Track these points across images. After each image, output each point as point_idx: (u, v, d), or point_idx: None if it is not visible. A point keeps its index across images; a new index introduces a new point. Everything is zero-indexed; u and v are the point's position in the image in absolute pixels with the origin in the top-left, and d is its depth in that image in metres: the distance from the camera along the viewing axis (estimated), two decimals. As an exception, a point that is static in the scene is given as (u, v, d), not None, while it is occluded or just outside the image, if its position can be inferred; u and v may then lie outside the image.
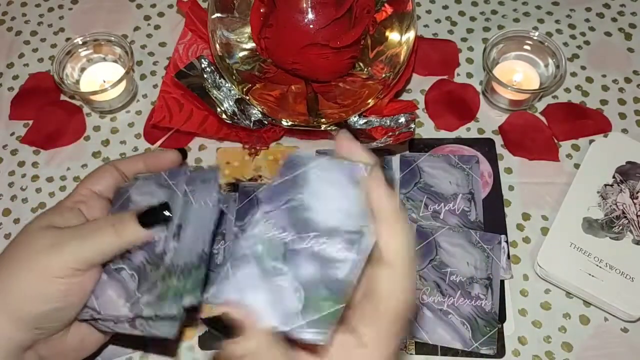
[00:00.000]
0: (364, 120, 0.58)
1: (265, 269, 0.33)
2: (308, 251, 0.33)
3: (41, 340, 0.40)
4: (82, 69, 0.65)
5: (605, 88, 0.65)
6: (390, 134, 0.56)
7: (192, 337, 0.52)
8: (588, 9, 0.70)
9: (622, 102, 0.64)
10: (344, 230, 0.33)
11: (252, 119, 0.58)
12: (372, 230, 0.32)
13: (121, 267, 0.41)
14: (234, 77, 0.56)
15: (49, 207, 0.58)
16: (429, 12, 0.71)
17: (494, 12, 0.71)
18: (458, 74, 0.66)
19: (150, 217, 0.39)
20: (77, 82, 0.64)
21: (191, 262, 0.40)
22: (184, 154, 0.46)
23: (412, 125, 0.55)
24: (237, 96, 0.58)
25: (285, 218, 0.34)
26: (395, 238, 0.32)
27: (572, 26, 0.69)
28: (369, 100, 0.56)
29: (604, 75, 0.65)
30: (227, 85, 0.59)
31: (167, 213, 0.40)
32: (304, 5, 0.49)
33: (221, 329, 0.32)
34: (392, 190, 0.33)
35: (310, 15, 0.50)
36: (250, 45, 0.55)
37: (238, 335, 0.31)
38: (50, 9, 0.73)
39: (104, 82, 0.64)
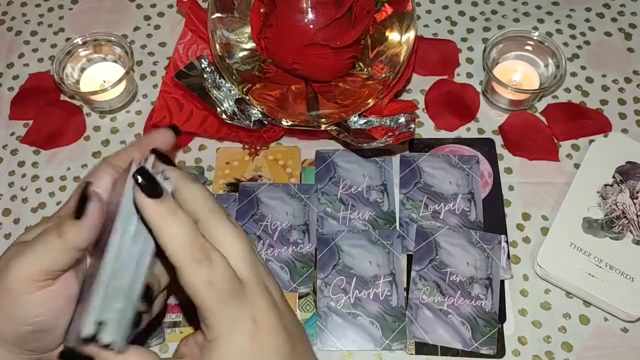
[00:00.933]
0: (364, 120, 0.58)
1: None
2: None
3: (37, 358, 0.39)
4: (82, 69, 0.65)
5: (605, 88, 0.65)
6: (390, 134, 0.56)
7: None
8: (588, 9, 0.70)
9: (622, 102, 0.64)
10: None
11: (252, 119, 0.58)
12: None
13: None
14: (234, 77, 0.56)
15: (47, 210, 0.59)
16: (429, 12, 0.71)
17: (494, 12, 0.71)
18: (458, 74, 0.66)
19: (79, 206, 0.36)
20: (77, 82, 0.64)
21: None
22: (176, 131, 0.43)
23: (412, 125, 0.55)
24: (237, 96, 0.58)
25: None
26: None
27: (572, 26, 0.69)
28: (369, 100, 0.56)
29: (604, 75, 0.65)
30: (227, 85, 0.59)
31: (88, 196, 0.36)
32: (304, 5, 0.49)
33: None
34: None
35: (310, 15, 0.50)
36: (250, 45, 0.55)
37: None
38: (50, 9, 0.73)
39: (104, 82, 0.64)
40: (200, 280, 0.33)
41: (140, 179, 0.33)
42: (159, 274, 0.40)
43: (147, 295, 0.37)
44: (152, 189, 0.33)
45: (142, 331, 0.39)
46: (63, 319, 0.38)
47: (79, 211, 0.36)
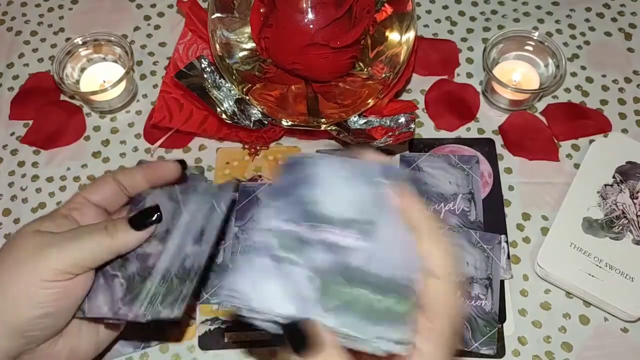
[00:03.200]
0: (364, 120, 0.58)
1: (278, 260, 0.32)
2: (322, 242, 0.33)
3: (28, 351, 0.39)
4: (82, 69, 0.65)
5: (605, 88, 0.65)
6: (390, 134, 0.56)
7: (192, 337, 0.52)
8: (588, 9, 0.70)
9: (622, 102, 0.64)
10: (357, 221, 0.33)
11: (252, 119, 0.58)
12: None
13: (115, 274, 0.41)
14: (234, 77, 0.56)
15: (47, 210, 0.59)
16: (429, 12, 0.71)
17: (494, 12, 0.71)
18: (458, 74, 0.66)
19: (140, 219, 0.40)
20: (77, 82, 0.64)
21: (173, 271, 0.40)
22: (183, 165, 0.46)
23: (412, 125, 0.55)
24: (237, 96, 0.58)
25: (298, 212, 0.33)
26: (439, 251, 0.32)
27: (572, 26, 0.69)
28: (369, 100, 0.56)
29: (604, 75, 0.65)
30: (227, 85, 0.59)
31: (155, 216, 0.40)
32: (304, 5, 0.49)
33: (298, 343, 0.31)
34: (423, 201, 0.33)
35: (310, 15, 0.50)
36: (250, 45, 0.55)
37: (311, 350, 0.30)
38: (50, 9, 0.73)
39: (104, 82, 0.64)
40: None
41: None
42: None
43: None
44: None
45: None
46: (73, 307, 0.40)
47: (140, 224, 0.40)
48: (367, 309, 0.31)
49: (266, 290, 0.32)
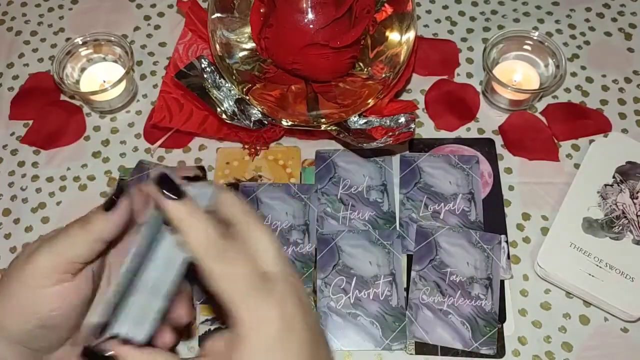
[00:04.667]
0: (364, 120, 0.58)
1: None
2: None
3: (44, 357, 0.39)
4: (82, 69, 0.65)
5: (605, 88, 0.65)
6: (390, 134, 0.56)
7: (192, 338, 0.52)
8: (588, 9, 0.70)
9: (622, 102, 0.64)
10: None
11: (252, 119, 0.58)
12: None
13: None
14: (234, 77, 0.56)
15: (47, 209, 0.59)
16: (429, 12, 0.71)
17: (494, 12, 0.71)
18: (458, 74, 0.66)
19: (108, 201, 0.38)
20: (77, 82, 0.64)
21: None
22: (203, 171, 0.44)
23: (412, 125, 0.55)
24: (237, 96, 0.58)
25: None
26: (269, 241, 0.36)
27: (572, 26, 0.69)
28: (369, 100, 0.56)
29: (604, 75, 0.65)
30: (227, 85, 0.59)
31: (123, 186, 0.39)
32: (304, 5, 0.49)
33: None
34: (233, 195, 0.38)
35: (310, 15, 0.50)
36: (250, 45, 0.55)
37: None
38: (50, 9, 0.73)
39: (104, 82, 0.64)
40: (224, 275, 0.34)
41: (160, 182, 0.35)
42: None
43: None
44: (172, 190, 0.35)
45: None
46: (72, 319, 0.38)
47: (110, 204, 0.38)
48: None
49: None
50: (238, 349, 0.33)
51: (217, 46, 0.55)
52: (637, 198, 0.56)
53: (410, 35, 0.55)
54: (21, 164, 0.62)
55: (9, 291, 0.37)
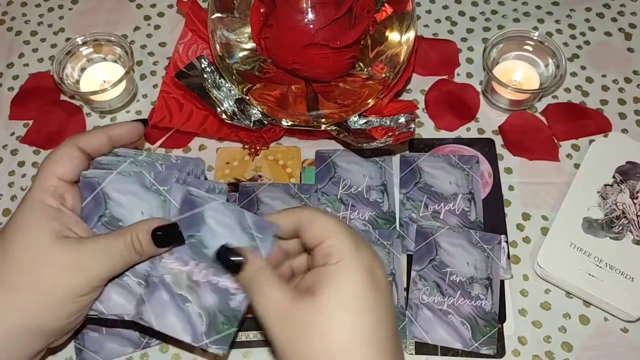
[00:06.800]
0: (364, 120, 0.58)
1: (173, 296, 0.42)
2: (207, 283, 0.42)
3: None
4: (82, 69, 0.65)
5: (605, 88, 0.65)
6: (390, 134, 0.56)
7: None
8: (588, 9, 0.70)
9: (622, 102, 0.64)
10: None
11: (252, 119, 0.58)
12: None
13: (123, 274, 0.43)
14: (234, 77, 0.56)
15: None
16: (429, 12, 0.71)
17: (494, 12, 0.71)
18: (458, 74, 0.66)
19: (165, 238, 0.42)
20: (77, 82, 0.64)
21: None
22: (145, 122, 0.48)
23: (412, 125, 0.55)
24: (237, 96, 0.58)
25: (186, 252, 0.42)
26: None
27: (572, 26, 0.69)
28: (369, 100, 0.56)
29: (604, 75, 0.65)
30: (227, 85, 0.59)
31: (179, 235, 0.42)
32: (304, 5, 0.49)
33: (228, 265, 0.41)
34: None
35: (310, 15, 0.50)
36: (250, 45, 0.55)
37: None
38: (50, 9, 0.73)
39: (104, 82, 0.64)
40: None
41: (218, 259, 0.41)
42: None
43: None
44: (231, 268, 0.41)
45: None
46: (87, 310, 0.42)
47: (164, 244, 0.42)
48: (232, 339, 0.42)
49: (169, 321, 0.42)
50: (330, 277, 0.36)
51: (217, 46, 0.55)
52: (637, 198, 0.56)
53: (410, 35, 0.55)
54: (21, 164, 0.62)
55: (52, 293, 0.40)
